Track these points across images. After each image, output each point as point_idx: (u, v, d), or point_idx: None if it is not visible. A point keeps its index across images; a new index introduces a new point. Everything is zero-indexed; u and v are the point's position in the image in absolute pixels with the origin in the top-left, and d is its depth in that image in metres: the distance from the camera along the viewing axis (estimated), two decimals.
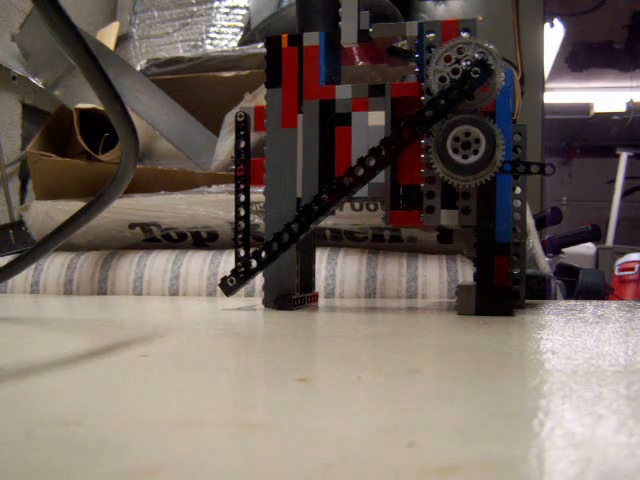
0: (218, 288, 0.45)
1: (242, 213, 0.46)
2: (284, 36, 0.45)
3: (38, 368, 0.21)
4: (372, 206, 0.63)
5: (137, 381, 0.19)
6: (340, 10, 0.43)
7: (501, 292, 0.40)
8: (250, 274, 0.41)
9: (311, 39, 0.44)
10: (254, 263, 0.41)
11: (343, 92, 0.43)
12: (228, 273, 0.43)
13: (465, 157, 0.37)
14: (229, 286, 0.42)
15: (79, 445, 0.12)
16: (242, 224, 0.45)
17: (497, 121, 0.41)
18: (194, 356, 0.24)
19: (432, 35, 0.41)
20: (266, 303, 0.45)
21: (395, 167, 0.41)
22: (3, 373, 0.20)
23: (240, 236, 0.45)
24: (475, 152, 0.37)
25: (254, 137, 0.48)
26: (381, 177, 0.41)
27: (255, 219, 0.65)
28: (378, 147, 0.39)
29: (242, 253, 0.45)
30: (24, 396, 0.17)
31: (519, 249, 0.46)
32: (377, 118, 0.42)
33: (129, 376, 0.20)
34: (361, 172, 0.39)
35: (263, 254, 0.41)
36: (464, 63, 0.37)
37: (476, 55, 0.37)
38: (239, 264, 0.42)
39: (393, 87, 0.42)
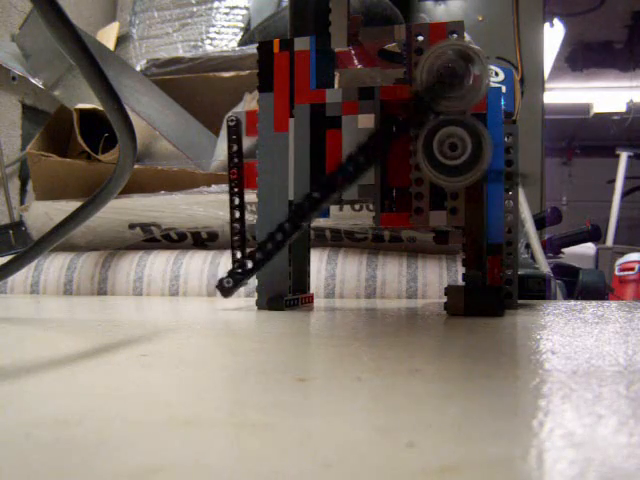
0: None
1: (237, 215, 0.46)
2: (276, 41, 0.45)
3: (37, 368, 0.21)
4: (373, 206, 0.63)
5: (137, 381, 0.19)
6: (330, 15, 0.43)
7: (489, 292, 0.40)
8: (246, 274, 0.42)
9: (302, 44, 0.44)
10: (250, 263, 0.41)
11: (333, 96, 0.43)
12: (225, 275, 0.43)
13: (452, 158, 0.37)
14: (226, 287, 0.42)
15: (79, 445, 0.12)
16: (237, 226, 0.46)
17: (489, 122, 0.41)
18: (193, 356, 0.24)
19: (420, 38, 0.41)
20: (259, 304, 0.45)
21: (385, 169, 0.42)
22: (2, 373, 0.20)
23: (236, 238, 0.46)
24: (461, 153, 0.37)
25: (250, 141, 0.48)
26: (371, 179, 0.41)
27: (252, 219, 0.65)
28: (367, 143, 0.39)
29: (238, 255, 0.46)
30: (23, 396, 0.17)
31: (511, 249, 0.46)
32: (367, 121, 0.42)
33: (129, 376, 0.20)
34: (351, 169, 0.39)
35: (258, 254, 0.41)
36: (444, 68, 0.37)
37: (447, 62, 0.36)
38: (235, 265, 0.43)
39: (382, 90, 0.42)
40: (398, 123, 0.39)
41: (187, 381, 0.19)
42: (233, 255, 0.46)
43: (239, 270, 0.42)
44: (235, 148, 0.47)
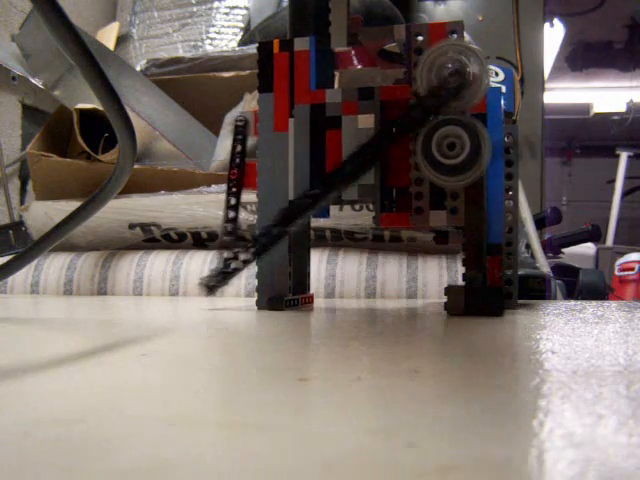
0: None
1: (231, 215, 0.46)
2: (276, 41, 0.45)
3: (37, 367, 0.21)
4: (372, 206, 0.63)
5: (137, 380, 0.19)
6: (330, 15, 0.43)
7: (489, 292, 0.40)
8: (230, 274, 0.42)
9: (302, 44, 0.44)
10: (234, 263, 0.41)
11: (333, 96, 0.43)
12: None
13: (450, 158, 0.37)
14: (209, 285, 0.42)
15: (78, 444, 0.12)
16: (229, 226, 0.46)
17: (488, 122, 0.40)
18: (194, 356, 0.24)
19: (420, 38, 0.41)
20: (259, 305, 0.45)
21: (385, 169, 0.42)
22: (2, 373, 0.20)
23: (226, 238, 0.46)
24: (460, 152, 0.37)
25: (252, 141, 0.48)
26: (371, 179, 0.41)
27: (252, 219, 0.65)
28: (363, 147, 0.39)
29: (226, 254, 0.46)
30: (23, 395, 0.17)
31: (512, 249, 0.46)
32: (366, 121, 0.42)
33: (129, 375, 0.20)
34: (341, 175, 0.39)
35: (243, 255, 0.41)
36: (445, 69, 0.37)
37: (449, 65, 0.36)
38: (221, 264, 0.43)
39: (382, 90, 0.42)
40: (398, 126, 0.39)
41: (187, 381, 0.19)
42: (221, 254, 0.46)
43: (223, 269, 0.42)
44: (239, 148, 0.47)
